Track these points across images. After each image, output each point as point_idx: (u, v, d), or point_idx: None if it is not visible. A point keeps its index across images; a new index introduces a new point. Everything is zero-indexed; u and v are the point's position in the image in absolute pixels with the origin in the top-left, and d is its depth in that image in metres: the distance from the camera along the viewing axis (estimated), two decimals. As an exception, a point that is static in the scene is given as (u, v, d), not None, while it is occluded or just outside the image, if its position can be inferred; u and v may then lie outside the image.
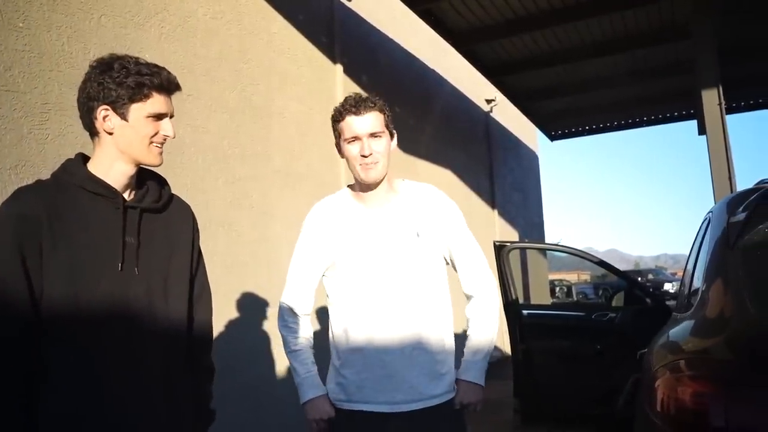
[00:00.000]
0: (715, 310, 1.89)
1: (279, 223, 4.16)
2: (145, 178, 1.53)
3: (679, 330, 2.07)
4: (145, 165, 1.49)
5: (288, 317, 1.88)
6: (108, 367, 1.36)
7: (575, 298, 23.90)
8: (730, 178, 4.89)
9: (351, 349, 1.79)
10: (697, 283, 2.19)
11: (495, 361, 5.36)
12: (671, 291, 18.45)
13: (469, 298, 1.92)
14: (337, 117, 1.79)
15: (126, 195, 1.47)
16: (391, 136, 1.84)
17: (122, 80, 1.38)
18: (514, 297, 4.61)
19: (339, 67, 5.21)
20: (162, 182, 1.58)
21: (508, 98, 8.75)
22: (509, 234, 9.57)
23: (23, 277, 1.30)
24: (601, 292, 23.57)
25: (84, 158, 1.48)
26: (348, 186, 1.93)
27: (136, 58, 1.44)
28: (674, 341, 2.05)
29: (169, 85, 1.46)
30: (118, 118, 1.41)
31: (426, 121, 7.08)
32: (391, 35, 6.49)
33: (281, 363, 3.89)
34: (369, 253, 1.79)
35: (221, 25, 3.87)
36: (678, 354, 1.88)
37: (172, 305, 1.49)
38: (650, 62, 7.67)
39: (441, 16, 6.01)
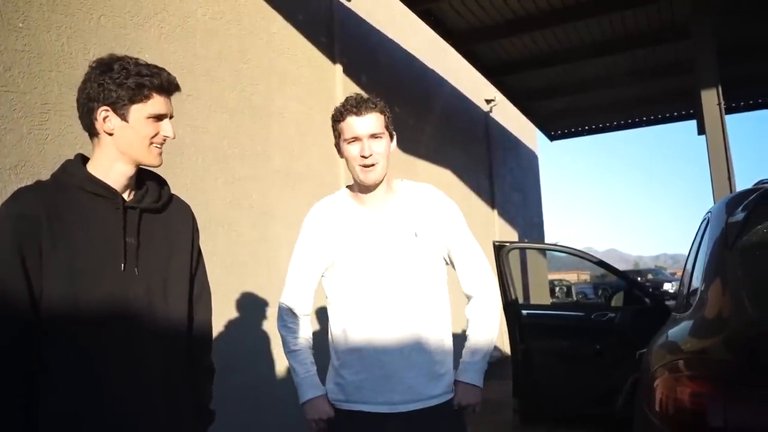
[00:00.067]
0: (714, 310, 1.90)
1: (279, 223, 4.16)
2: (144, 178, 1.53)
3: (678, 330, 2.08)
4: (145, 165, 1.49)
5: (287, 317, 1.88)
6: (108, 367, 1.37)
7: (575, 298, 23.87)
8: (729, 178, 4.88)
9: (350, 349, 1.79)
10: (696, 283, 2.19)
11: (494, 361, 5.37)
12: (670, 291, 18.42)
13: (469, 298, 1.92)
14: (338, 117, 1.79)
15: (126, 195, 1.47)
16: (391, 137, 1.84)
17: (122, 81, 1.38)
18: (513, 297, 4.62)
19: (339, 67, 5.21)
20: (161, 182, 1.59)
21: (507, 98, 8.75)
22: (509, 234, 9.57)
23: (23, 277, 1.30)
24: (600, 292, 23.55)
25: (83, 159, 1.48)
26: (347, 186, 1.93)
27: (136, 59, 1.44)
28: (673, 341, 2.06)
29: (169, 86, 1.46)
30: (119, 119, 1.41)
31: (426, 121, 7.08)
32: (390, 35, 6.48)
33: (281, 363, 3.90)
34: (367, 253, 1.79)
35: (221, 25, 3.87)
36: (677, 354, 1.89)
37: (171, 305, 1.50)
38: (650, 62, 7.67)
39: (441, 16, 6.01)
